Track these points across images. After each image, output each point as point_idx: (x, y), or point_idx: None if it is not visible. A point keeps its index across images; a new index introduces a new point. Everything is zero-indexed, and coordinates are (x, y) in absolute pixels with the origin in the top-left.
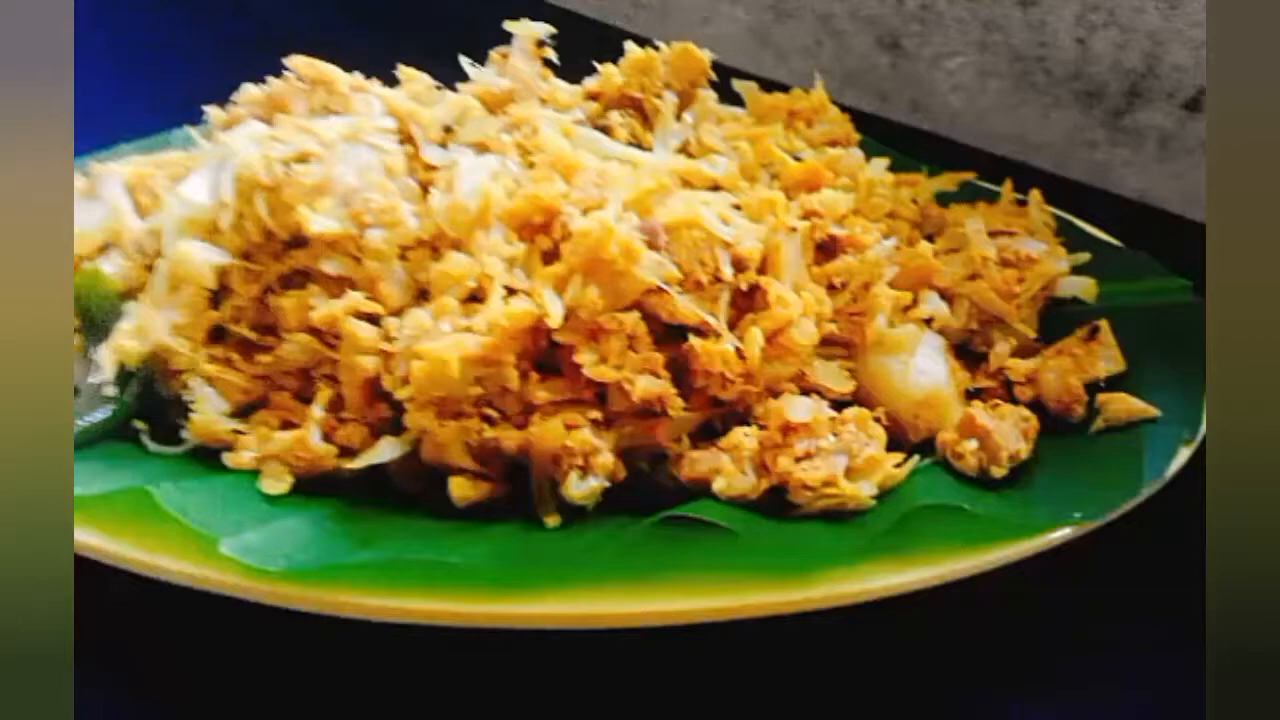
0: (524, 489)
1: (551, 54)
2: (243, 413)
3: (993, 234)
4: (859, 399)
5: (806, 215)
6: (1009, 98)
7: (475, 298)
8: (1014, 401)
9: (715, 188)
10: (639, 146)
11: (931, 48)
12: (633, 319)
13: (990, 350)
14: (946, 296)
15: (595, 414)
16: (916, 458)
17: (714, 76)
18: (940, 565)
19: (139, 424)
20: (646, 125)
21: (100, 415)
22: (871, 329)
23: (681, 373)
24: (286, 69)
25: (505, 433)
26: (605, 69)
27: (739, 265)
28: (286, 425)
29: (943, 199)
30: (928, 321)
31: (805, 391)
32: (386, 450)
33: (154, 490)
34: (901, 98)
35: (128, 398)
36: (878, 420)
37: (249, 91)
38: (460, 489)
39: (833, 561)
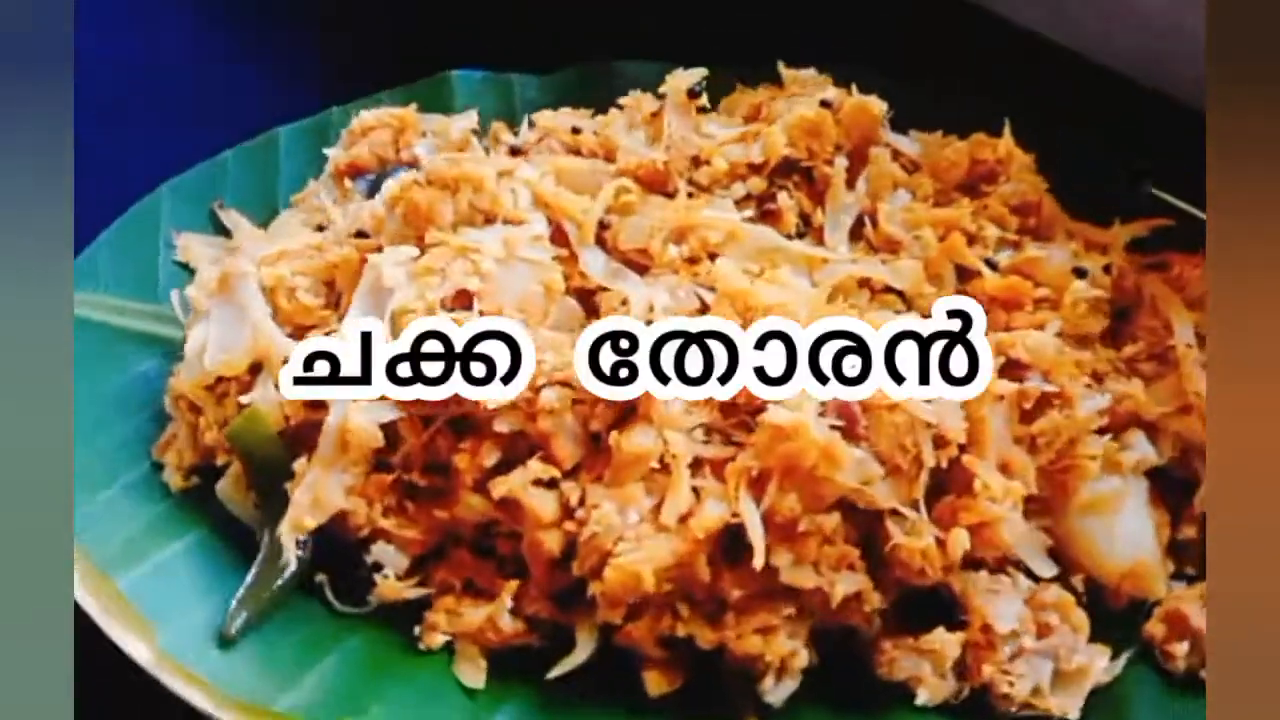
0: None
1: (704, 101)
2: (421, 560)
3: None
4: (1054, 557)
5: (1008, 365)
6: None
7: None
8: None
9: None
10: (806, 224)
11: None
12: (832, 522)
13: (1192, 486)
14: (1151, 429)
15: (790, 610)
16: (1124, 660)
17: (888, 132)
18: None
19: (321, 576)
20: (816, 196)
21: (279, 581)
22: (1078, 494)
23: (877, 550)
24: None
25: (700, 631)
26: (769, 134)
27: (940, 443)
28: (468, 587)
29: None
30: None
31: (1001, 565)
32: (583, 651)
33: None
34: None
35: (304, 553)
36: (1079, 599)
37: (390, 188)
38: (655, 684)
39: None
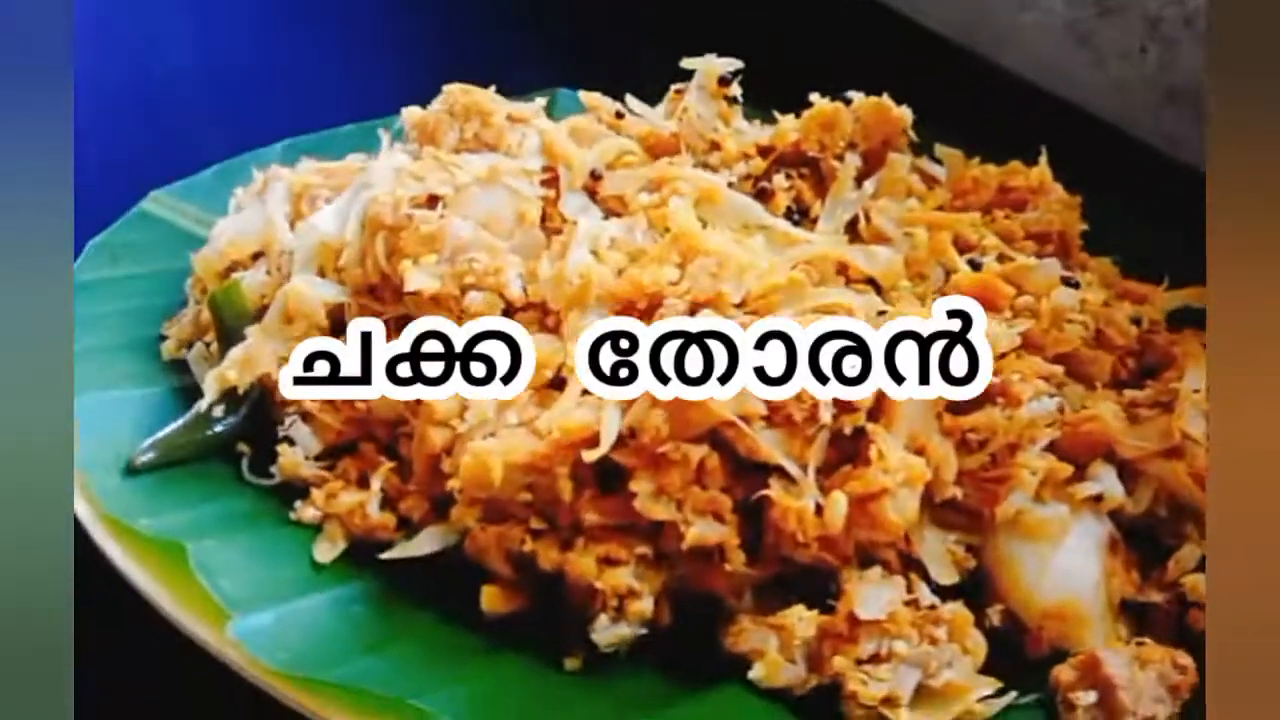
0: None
1: (736, 91)
2: (336, 452)
3: None
4: (975, 582)
5: None
6: None
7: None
8: (1184, 629)
9: (871, 282)
10: (802, 214)
11: None
12: (700, 452)
13: (1174, 552)
14: (1129, 471)
15: (645, 549)
16: (1010, 698)
17: (913, 137)
18: None
19: (243, 446)
20: (819, 189)
21: (200, 434)
22: (1005, 505)
23: (758, 516)
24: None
25: (545, 550)
26: (782, 121)
27: (844, 406)
28: (362, 480)
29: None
30: (1096, 499)
31: (906, 565)
32: (425, 543)
33: (189, 546)
34: None
35: (234, 418)
36: (983, 625)
37: (412, 113)
38: (490, 600)
39: None
